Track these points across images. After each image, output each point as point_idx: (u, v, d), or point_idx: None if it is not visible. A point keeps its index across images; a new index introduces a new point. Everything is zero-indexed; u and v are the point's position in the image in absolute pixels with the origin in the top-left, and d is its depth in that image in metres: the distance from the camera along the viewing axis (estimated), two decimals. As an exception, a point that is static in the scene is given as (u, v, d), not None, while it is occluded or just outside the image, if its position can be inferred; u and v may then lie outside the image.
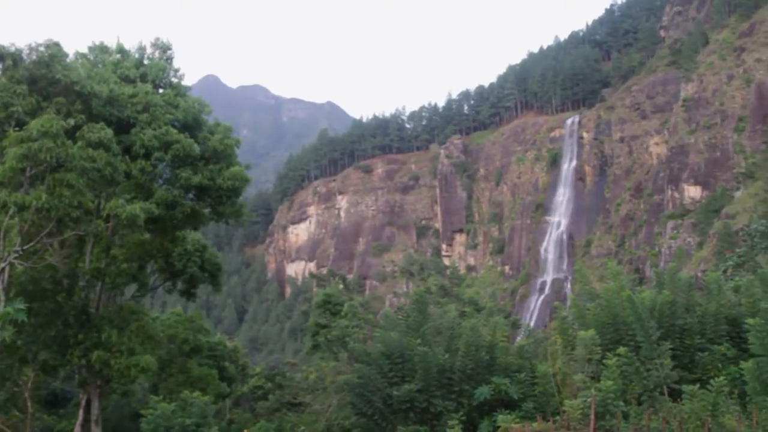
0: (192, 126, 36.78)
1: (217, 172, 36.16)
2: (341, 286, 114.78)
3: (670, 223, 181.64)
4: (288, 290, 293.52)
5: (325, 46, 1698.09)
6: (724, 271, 62.40)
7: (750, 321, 22.61)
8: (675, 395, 23.75)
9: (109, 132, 30.84)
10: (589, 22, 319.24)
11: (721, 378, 21.87)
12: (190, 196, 37.28)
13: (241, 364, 70.29)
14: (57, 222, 29.20)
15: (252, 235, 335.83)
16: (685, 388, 22.09)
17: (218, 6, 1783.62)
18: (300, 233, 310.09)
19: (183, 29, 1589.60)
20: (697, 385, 21.94)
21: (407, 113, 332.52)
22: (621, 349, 24.29)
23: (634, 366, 24.40)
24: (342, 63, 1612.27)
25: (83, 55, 37.14)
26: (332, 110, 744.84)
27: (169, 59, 38.50)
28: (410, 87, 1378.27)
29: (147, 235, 37.09)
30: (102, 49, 37.82)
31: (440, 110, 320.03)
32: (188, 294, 46.30)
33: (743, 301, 27.75)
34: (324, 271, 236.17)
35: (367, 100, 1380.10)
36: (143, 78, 37.02)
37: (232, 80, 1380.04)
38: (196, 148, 35.00)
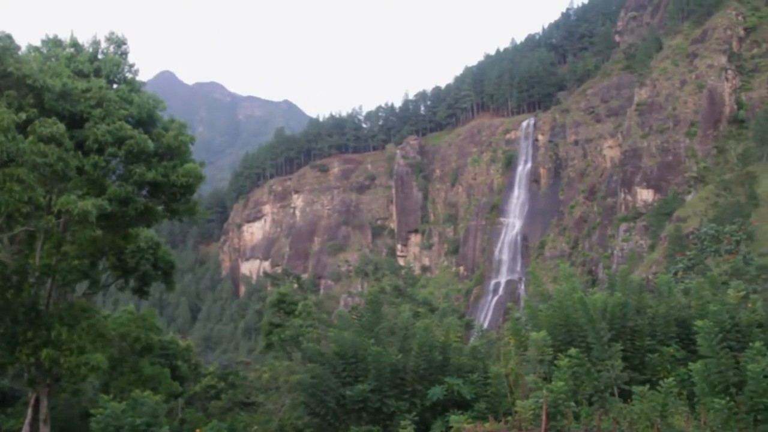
0: (146, 122, 36.33)
1: (171, 168, 35.73)
2: (295, 286, 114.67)
3: (623, 226, 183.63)
4: (242, 289, 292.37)
5: (282, 44, 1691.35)
6: (675, 274, 63.30)
7: (699, 323, 22.84)
8: (625, 396, 23.95)
9: (61, 127, 30.41)
10: (546, 26, 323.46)
11: (671, 379, 22.09)
12: (144, 192, 36.77)
13: (194, 363, 69.62)
14: (6, 217, 28.77)
15: (207, 233, 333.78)
16: (636, 388, 22.28)
17: (175, 1, 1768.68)
18: (255, 232, 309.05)
19: (139, 24, 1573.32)
20: (647, 386, 22.13)
21: (364, 113, 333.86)
22: (572, 350, 24.41)
23: (585, 367, 24.54)
24: (299, 62, 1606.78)
25: (36, 49, 36.50)
26: (289, 109, 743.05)
27: (124, 54, 37.99)
28: (367, 87, 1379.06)
29: (99, 232, 36.58)
30: (55, 43, 37.21)
31: (397, 110, 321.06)
32: (141, 292, 45.84)
33: (693, 303, 28.10)
34: (279, 270, 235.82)
35: (324, 99, 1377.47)
36: (97, 73, 36.49)
37: (188, 76, 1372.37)
38: (150, 145, 34.57)
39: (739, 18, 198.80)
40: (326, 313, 79.69)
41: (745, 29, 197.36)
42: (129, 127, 34.26)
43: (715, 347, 22.06)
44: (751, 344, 21.84)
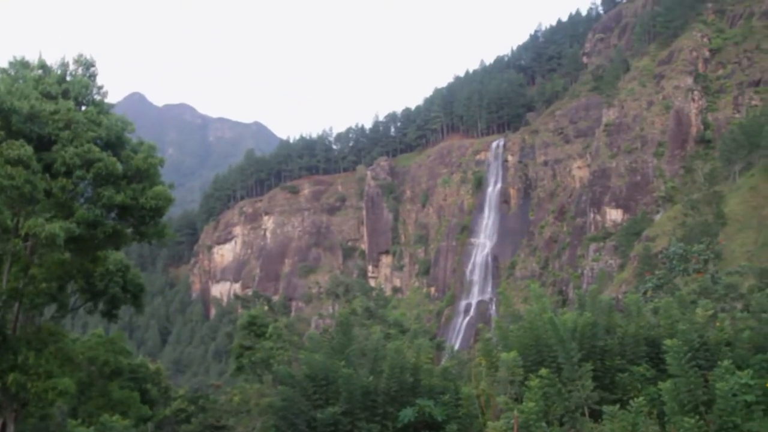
0: (115, 144, 36.07)
1: (140, 191, 35.50)
2: (266, 308, 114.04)
3: (593, 246, 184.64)
4: (213, 311, 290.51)
5: (253, 66, 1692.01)
6: (644, 293, 63.55)
7: (668, 342, 23.01)
8: (596, 416, 24.04)
9: (28, 149, 30.16)
10: (514, 48, 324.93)
11: (641, 398, 22.21)
12: (112, 215, 36.46)
13: (164, 387, 69.01)
14: (-27, 241, 28.41)
15: (177, 255, 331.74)
16: (606, 408, 22.37)
17: (145, 23, 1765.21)
18: (225, 254, 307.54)
19: (108, 46, 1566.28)
20: (617, 406, 22.23)
21: (334, 134, 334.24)
22: (543, 371, 24.50)
23: (556, 387, 24.62)
24: (270, 83, 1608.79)
25: (3, 70, 36.21)
26: (259, 130, 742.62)
27: (93, 76, 37.75)
28: (338, 108, 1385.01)
29: (67, 255, 36.27)
30: (23, 65, 36.94)
31: (367, 132, 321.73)
32: (110, 315, 45.31)
33: (662, 323, 28.27)
34: (249, 292, 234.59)
35: (295, 120, 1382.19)
36: (65, 94, 36.22)
37: (158, 98, 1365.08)
38: (119, 167, 34.34)
39: (705, 40, 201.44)
40: (297, 336, 79.30)
41: (711, 51, 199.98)
42: (97, 149, 33.99)
43: (684, 366, 22.23)
44: (719, 363, 22.05)
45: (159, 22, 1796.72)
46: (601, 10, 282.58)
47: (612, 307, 29.71)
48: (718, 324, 27.45)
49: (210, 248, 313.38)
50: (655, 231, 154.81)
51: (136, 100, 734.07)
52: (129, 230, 38.01)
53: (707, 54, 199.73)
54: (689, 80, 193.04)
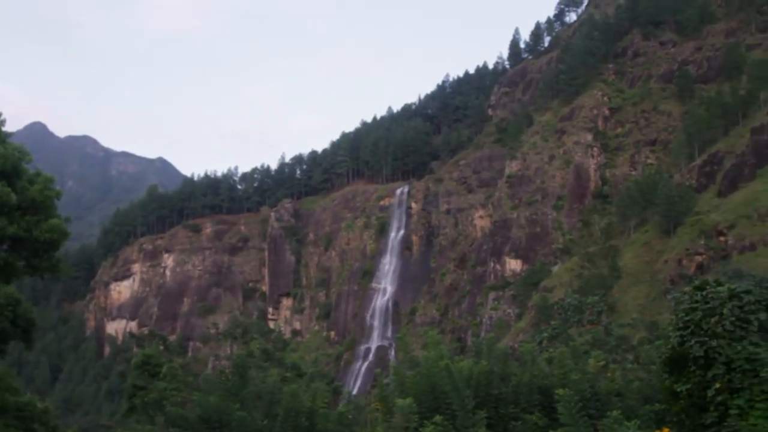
0: (10, 174, 35.18)
1: (34, 223, 34.65)
2: (162, 347, 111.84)
3: (492, 294, 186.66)
4: (107, 349, 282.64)
5: (158, 101, 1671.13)
6: (540, 343, 64.74)
7: (560, 391, 23.41)
8: (489, 463, 24.21)
9: None
10: (422, 96, 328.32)
11: (532, 447, 22.52)
12: (4, 247, 35.54)
13: (52, 426, 66.57)
14: None
15: (72, 291, 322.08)
16: (498, 456, 22.59)
17: (48, 51, 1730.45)
18: (123, 291, 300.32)
19: (8, 73, 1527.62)
20: (510, 454, 22.48)
21: (239, 174, 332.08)
22: (437, 418, 24.55)
23: (450, 434, 24.71)
24: (175, 119, 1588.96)
25: None
26: (163, 166, 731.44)
27: (-10, 104, 36.89)
28: (243, 148, 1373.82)
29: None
30: None
31: (273, 173, 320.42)
32: (-3, 350, 43.85)
33: (555, 372, 28.74)
34: (146, 330, 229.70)
35: (200, 158, 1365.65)
36: (-42, 121, 35.32)
37: (61, 129, 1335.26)
38: (14, 198, 33.48)
39: (605, 99, 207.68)
40: (193, 376, 77.83)
41: (610, 109, 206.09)
42: (-9, 178, 33.15)
43: (575, 415, 22.63)
44: (609, 413, 22.50)
45: (65, 51, 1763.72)
46: (507, 64, 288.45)
47: (508, 356, 30.08)
48: (609, 375, 28.12)
49: (107, 284, 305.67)
50: (553, 282, 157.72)
51: (38, 129, 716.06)
52: (21, 263, 37.00)
53: (607, 112, 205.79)
54: (589, 137, 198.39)
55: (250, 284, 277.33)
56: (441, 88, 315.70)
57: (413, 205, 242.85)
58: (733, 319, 19.51)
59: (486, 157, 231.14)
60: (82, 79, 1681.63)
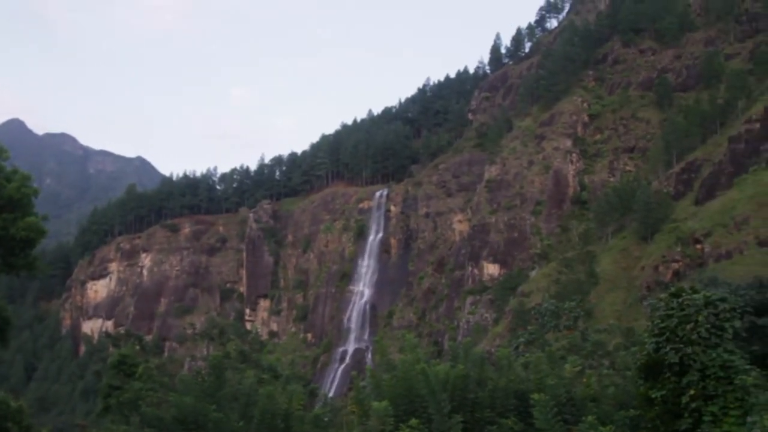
0: (-13, 172, 34.97)
1: (10, 221, 34.39)
2: (138, 347, 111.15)
3: (470, 299, 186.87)
4: (83, 348, 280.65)
5: (138, 100, 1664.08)
6: (517, 347, 64.84)
7: (535, 396, 23.51)
8: (464, 467, 24.24)
9: None
10: (402, 100, 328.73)
11: (508, 451, 22.57)
12: (-21, 244, 35.25)
13: (26, 425, 66.08)
14: None
15: (48, 289, 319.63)
16: (474, 460, 22.63)
17: (27, 48, 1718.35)
18: (99, 290, 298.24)
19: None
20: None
21: (218, 174, 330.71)
22: (413, 421, 24.58)
23: (426, 438, 24.73)
24: (155, 118, 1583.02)
25: None
26: (142, 165, 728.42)
27: (-32, 100, 36.62)
28: (223, 149, 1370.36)
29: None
30: None
31: (252, 174, 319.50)
32: (-30, 349, 43.51)
33: (531, 377, 28.86)
34: (122, 330, 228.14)
35: (179, 158, 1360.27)
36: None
37: (39, 126, 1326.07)
38: (-10, 195, 33.27)
39: (584, 105, 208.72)
40: (169, 377, 77.44)
41: (590, 116, 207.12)
42: (-32, 176, 32.89)
43: (551, 420, 22.73)
44: (584, 418, 22.60)
45: (45, 48, 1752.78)
46: (488, 69, 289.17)
47: (484, 360, 30.14)
48: (585, 380, 28.23)
49: (83, 283, 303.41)
50: (530, 287, 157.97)
51: (16, 126, 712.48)
52: (-4, 261, 36.71)
53: (586, 119, 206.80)
54: (568, 143, 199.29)
55: (228, 285, 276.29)
56: (422, 91, 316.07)
57: (392, 208, 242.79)
58: (708, 326, 19.68)
59: (465, 162, 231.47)
60: (62, 77, 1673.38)
